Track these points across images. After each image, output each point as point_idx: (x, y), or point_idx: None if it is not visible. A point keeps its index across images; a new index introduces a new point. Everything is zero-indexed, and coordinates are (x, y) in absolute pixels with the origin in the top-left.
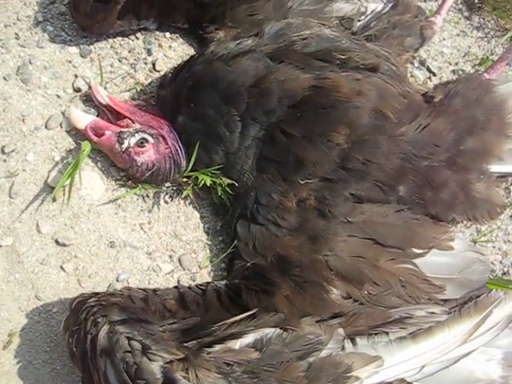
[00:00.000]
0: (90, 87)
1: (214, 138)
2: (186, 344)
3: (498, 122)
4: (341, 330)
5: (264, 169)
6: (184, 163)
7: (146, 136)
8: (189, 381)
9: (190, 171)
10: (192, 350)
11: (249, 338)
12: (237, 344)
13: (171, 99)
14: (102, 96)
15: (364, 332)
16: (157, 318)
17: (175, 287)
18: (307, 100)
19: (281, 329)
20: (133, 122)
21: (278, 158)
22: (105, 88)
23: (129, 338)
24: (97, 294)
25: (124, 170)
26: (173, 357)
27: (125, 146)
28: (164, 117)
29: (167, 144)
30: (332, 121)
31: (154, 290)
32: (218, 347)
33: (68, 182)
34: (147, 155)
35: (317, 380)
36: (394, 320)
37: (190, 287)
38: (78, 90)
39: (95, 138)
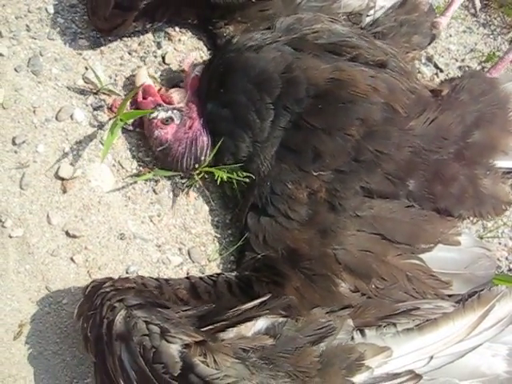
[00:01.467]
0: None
1: (242, 125)
2: (201, 329)
3: (502, 118)
4: (350, 321)
5: (282, 158)
6: (204, 155)
7: (175, 116)
8: (207, 365)
9: (215, 162)
10: (209, 335)
11: (261, 325)
12: (250, 331)
13: (204, 87)
14: (144, 77)
15: (372, 323)
16: (171, 305)
17: (187, 278)
18: (328, 92)
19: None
20: (176, 99)
21: (297, 147)
22: (115, 80)
23: (147, 322)
24: (111, 278)
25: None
26: (192, 339)
27: (153, 115)
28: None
29: (190, 130)
30: (350, 116)
31: (166, 280)
32: (232, 334)
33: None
34: (164, 132)
35: (330, 365)
36: (401, 312)
37: (201, 278)
38: (88, 82)
39: (140, 98)
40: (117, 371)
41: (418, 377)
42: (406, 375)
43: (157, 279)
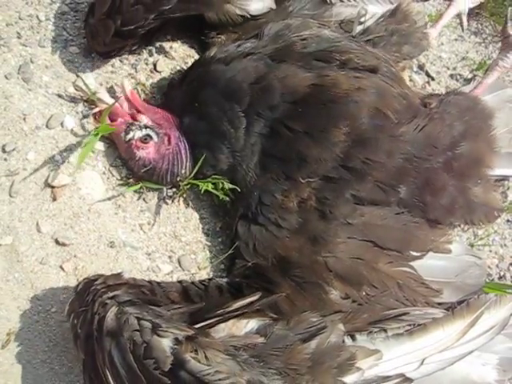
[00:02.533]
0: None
1: (218, 136)
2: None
3: (487, 133)
4: (341, 326)
5: (267, 167)
6: (185, 167)
7: (152, 133)
8: (198, 361)
9: (196, 174)
10: (200, 331)
11: (252, 326)
12: (241, 332)
13: (178, 101)
14: (126, 88)
15: (362, 328)
16: (162, 304)
17: (178, 282)
18: (308, 97)
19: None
20: (145, 118)
21: (282, 154)
22: (106, 88)
23: (138, 318)
24: (102, 275)
25: (126, 163)
26: (183, 333)
27: (129, 136)
28: (173, 118)
29: (170, 145)
30: (332, 116)
31: (158, 283)
32: (223, 333)
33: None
34: (146, 152)
35: (321, 363)
36: (391, 317)
37: (192, 282)
38: (78, 90)
39: (108, 121)
40: (106, 368)
41: (409, 380)
42: (396, 378)
43: (149, 281)
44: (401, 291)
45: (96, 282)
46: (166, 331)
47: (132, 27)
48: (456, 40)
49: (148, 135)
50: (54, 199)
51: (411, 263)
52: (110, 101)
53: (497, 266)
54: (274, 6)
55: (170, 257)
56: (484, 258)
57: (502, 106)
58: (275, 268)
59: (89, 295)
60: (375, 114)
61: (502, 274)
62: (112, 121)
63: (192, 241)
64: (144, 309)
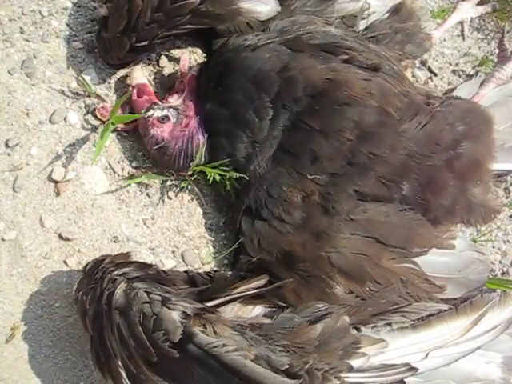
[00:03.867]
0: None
1: (240, 124)
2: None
3: (487, 137)
4: (346, 318)
5: (280, 160)
6: (200, 154)
7: (170, 114)
8: (207, 335)
9: (210, 162)
10: (208, 308)
11: (259, 311)
12: (248, 315)
13: (202, 87)
14: (139, 76)
15: (367, 321)
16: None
17: (185, 271)
18: (324, 93)
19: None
20: (176, 97)
21: (296, 150)
22: (109, 83)
23: (148, 292)
24: (110, 255)
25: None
26: (193, 306)
27: (148, 114)
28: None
29: (186, 127)
30: (345, 118)
31: (164, 271)
32: (230, 314)
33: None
34: (160, 130)
35: (327, 344)
36: (395, 310)
37: (198, 273)
38: (81, 85)
39: (135, 96)
40: (114, 342)
41: (414, 369)
42: (402, 367)
43: (156, 268)
44: (404, 287)
45: (105, 261)
46: (176, 304)
47: (146, 43)
48: (458, 36)
49: (166, 116)
50: (58, 194)
51: (414, 259)
52: (141, 79)
53: (500, 261)
54: (279, 9)
55: (173, 252)
56: (487, 254)
57: (504, 101)
58: (279, 263)
59: (98, 273)
60: (379, 112)
61: (504, 269)
62: (139, 97)
63: (195, 236)
64: (153, 284)
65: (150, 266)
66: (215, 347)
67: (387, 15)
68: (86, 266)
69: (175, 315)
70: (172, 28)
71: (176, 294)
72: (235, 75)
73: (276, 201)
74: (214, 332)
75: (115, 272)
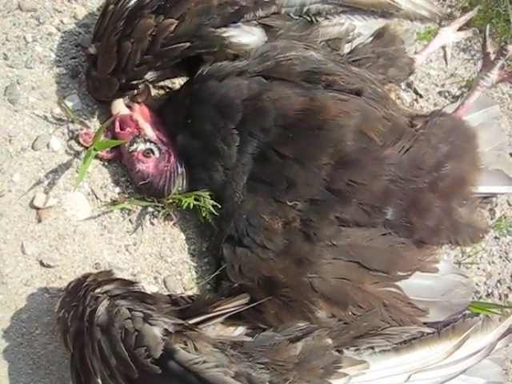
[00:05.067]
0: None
1: (212, 153)
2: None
3: (471, 153)
4: (329, 340)
5: (256, 189)
6: (182, 185)
7: (154, 149)
8: (188, 352)
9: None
10: (189, 325)
11: (240, 331)
12: (230, 334)
13: (170, 119)
14: (121, 107)
15: (349, 343)
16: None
17: (168, 295)
18: (298, 121)
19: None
20: (150, 132)
21: (270, 179)
22: (92, 109)
23: (130, 309)
24: (92, 273)
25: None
26: (174, 322)
27: (132, 148)
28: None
29: (169, 162)
30: (320, 143)
31: (147, 293)
32: (212, 333)
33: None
34: (146, 166)
35: (307, 361)
36: (377, 333)
37: (181, 296)
38: (64, 111)
39: (117, 129)
40: (95, 359)
41: None
42: None
43: (138, 285)
44: (387, 311)
45: (88, 279)
46: (157, 320)
47: (135, 83)
48: (443, 56)
49: (151, 150)
50: (39, 221)
51: (397, 283)
52: (124, 110)
53: (485, 283)
54: (266, 38)
55: (155, 277)
56: (470, 277)
57: (490, 123)
58: (261, 289)
59: (80, 291)
60: (359, 137)
61: (489, 291)
62: (121, 129)
63: (178, 261)
64: (135, 302)
65: (133, 283)
66: (196, 364)
67: (370, 39)
68: (69, 284)
69: (156, 331)
70: (161, 68)
71: (158, 311)
72: (201, 105)
73: (256, 229)
74: (195, 349)
75: (98, 290)
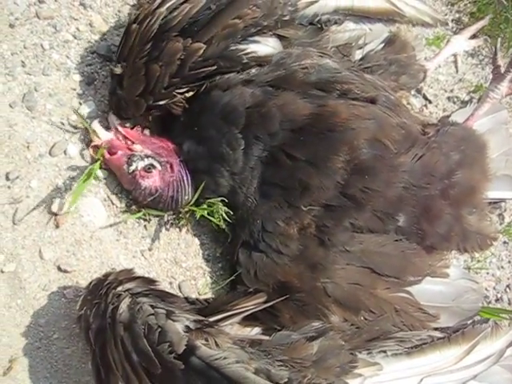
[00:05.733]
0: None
1: (217, 159)
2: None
3: (481, 162)
4: (341, 341)
5: (269, 194)
6: (188, 193)
7: (154, 162)
8: (209, 348)
9: (198, 199)
10: (210, 322)
11: (257, 331)
12: (248, 332)
13: (177, 128)
14: (115, 124)
15: (362, 346)
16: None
17: (184, 297)
18: (307, 126)
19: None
20: (142, 148)
21: (284, 183)
22: (108, 115)
23: (152, 306)
24: (113, 272)
25: (128, 192)
26: (195, 318)
27: (132, 168)
28: (172, 146)
29: (173, 172)
30: (332, 144)
31: (168, 292)
32: (230, 330)
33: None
34: (152, 180)
35: (324, 360)
36: (389, 337)
37: (197, 298)
38: (80, 118)
39: (107, 155)
40: (117, 355)
41: None
42: None
43: (159, 284)
44: (398, 316)
45: (109, 278)
46: (179, 316)
47: (162, 103)
48: (453, 62)
49: (151, 164)
50: (57, 226)
51: (408, 288)
52: (105, 135)
53: (494, 288)
54: (281, 48)
55: (170, 283)
56: (480, 283)
57: (498, 128)
58: (276, 293)
59: (102, 289)
60: (375, 144)
61: (499, 296)
62: (111, 154)
63: (192, 266)
64: (156, 300)
65: (154, 281)
66: (217, 359)
67: (382, 46)
68: (90, 283)
69: (179, 327)
70: (185, 87)
71: (179, 308)
72: (206, 113)
73: (272, 234)
74: (216, 345)
75: (119, 288)
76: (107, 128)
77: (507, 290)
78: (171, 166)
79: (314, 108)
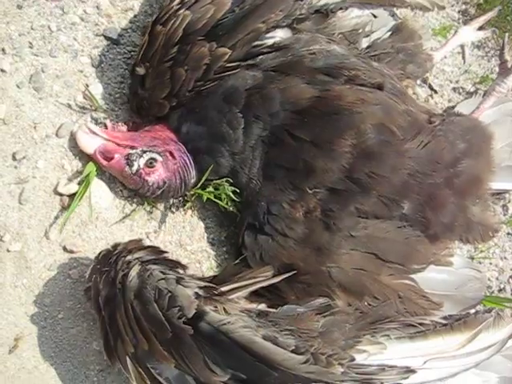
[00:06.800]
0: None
1: (217, 138)
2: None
3: (487, 153)
4: (346, 318)
5: (273, 176)
6: (193, 175)
7: (154, 155)
8: (218, 313)
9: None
10: (218, 290)
11: (263, 306)
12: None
13: (174, 113)
14: (98, 134)
15: (366, 328)
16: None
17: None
18: (311, 108)
19: None
20: (136, 145)
21: (288, 163)
22: (115, 98)
23: (162, 272)
24: (121, 243)
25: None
26: (205, 284)
27: (135, 168)
28: (169, 129)
29: (175, 159)
30: (338, 127)
31: (177, 261)
32: (239, 301)
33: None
34: (157, 174)
35: (330, 332)
36: (392, 320)
37: (203, 276)
38: (87, 99)
39: (105, 162)
40: (127, 321)
41: (413, 372)
42: (402, 368)
43: (168, 253)
44: (401, 303)
45: (118, 248)
46: (189, 282)
47: (183, 104)
48: (459, 53)
49: (152, 158)
50: (63, 207)
51: (412, 276)
52: (93, 144)
53: (497, 278)
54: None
55: None
56: (484, 272)
57: (503, 120)
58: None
59: (111, 258)
60: (381, 130)
61: (501, 286)
62: (109, 160)
63: (197, 250)
64: (166, 267)
65: (163, 251)
66: (225, 324)
67: (389, 34)
68: (100, 253)
69: (190, 292)
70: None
71: (189, 275)
72: (208, 96)
73: (278, 217)
74: (225, 311)
75: (129, 256)
76: (92, 136)
77: (510, 280)
78: (171, 154)
79: (317, 92)
